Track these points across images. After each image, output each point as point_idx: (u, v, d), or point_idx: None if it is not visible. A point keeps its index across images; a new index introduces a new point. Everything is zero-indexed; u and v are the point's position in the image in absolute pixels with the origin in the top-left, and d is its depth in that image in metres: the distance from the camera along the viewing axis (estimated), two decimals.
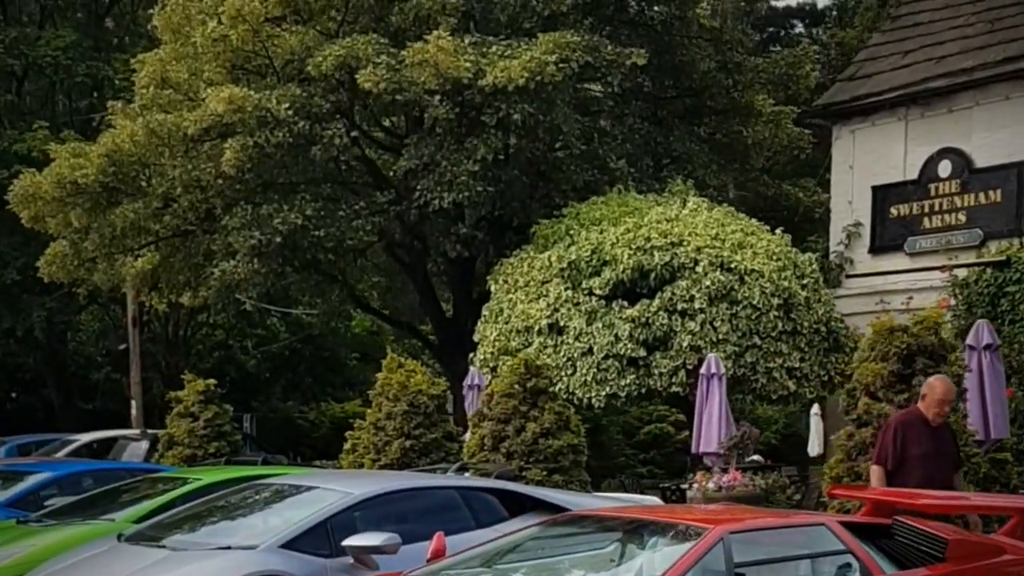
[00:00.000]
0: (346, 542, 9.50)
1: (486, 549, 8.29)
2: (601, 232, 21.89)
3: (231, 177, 23.41)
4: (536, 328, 21.86)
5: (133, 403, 34.32)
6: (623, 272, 21.21)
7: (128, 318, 34.32)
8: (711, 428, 17.38)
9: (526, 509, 10.81)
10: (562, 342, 21.61)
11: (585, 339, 21.38)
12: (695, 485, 16.83)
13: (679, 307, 21.01)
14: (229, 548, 9.55)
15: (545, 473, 16.45)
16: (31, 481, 15.92)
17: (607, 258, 21.44)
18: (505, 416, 16.75)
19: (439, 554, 8.41)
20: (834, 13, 44.08)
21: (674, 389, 21.27)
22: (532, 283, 22.32)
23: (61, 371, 39.27)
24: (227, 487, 12.72)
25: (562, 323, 21.67)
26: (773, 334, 21.37)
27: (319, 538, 9.71)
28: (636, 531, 7.69)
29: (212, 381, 23.32)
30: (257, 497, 10.71)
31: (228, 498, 10.91)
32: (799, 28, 47.91)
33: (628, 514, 8.01)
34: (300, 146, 23.27)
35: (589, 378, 21.25)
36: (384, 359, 48.68)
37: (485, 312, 23.17)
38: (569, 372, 21.51)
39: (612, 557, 7.82)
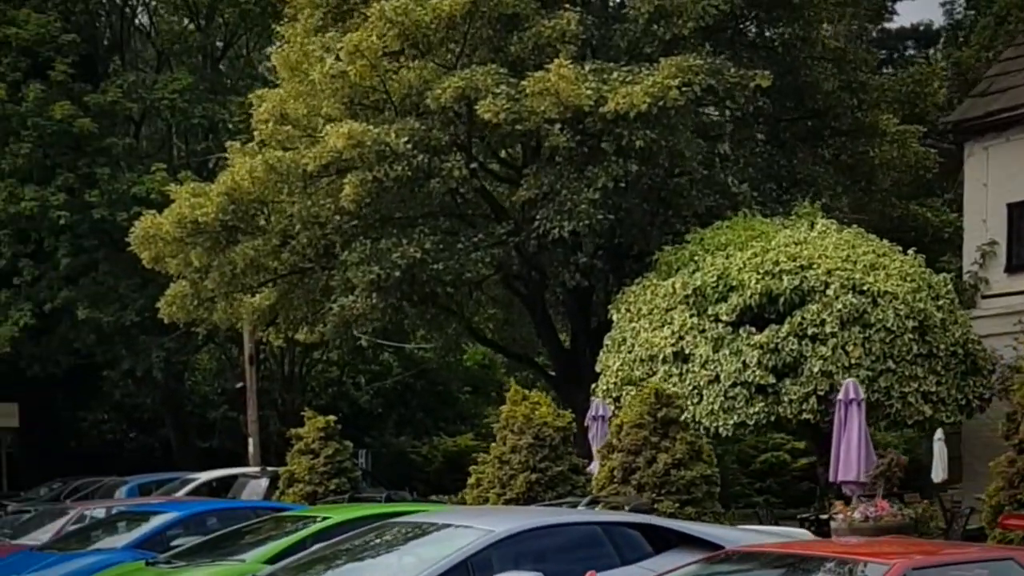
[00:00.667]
0: None
1: None
2: (727, 257, 21.35)
3: (349, 212, 23.23)
4: (661, 356, 21.36)
5: (250, 440, 34.24)
6: (751, 297, 20.65)
7: (245, 356, 34.30)
8: (850, 456, 16.72)
9: (671, 544, 10.30)
10: (688, 370, 21.08)
11: (712, 366, 20.84)
12: (839, 516, 16.14)
13: (809, 332, 20.40)
14: None
15: (677, 505, 15.93)
16: (157, 522, 15.75)
17: (734, 283, 20.89)
18: (635, 447, 16.27)
19: None
20: (950, 32, 43.05)
21: (804, 416, 20.64)
22: (656, 311, 21.82)
23: (178, 410, 39.46)
24: (357, 526, 12.40)
25: (688, 351, 21.15)
26: (908, 357, 20.68)
27: None
28: (807, 568, 7.10)
29: (332, 417, 23.12)
30: (391, 536, 10.34)
31: (361, 538, 10.54)
32: (911, 50, 46.98)
33: (795, 550, 7.44)
34: (418, 179, 23.05)
35: (716, 407, 20.70)
36: (497, 392, 48.56)
37: (607, 341, 22.71)
38: (695, 401, 20.97)
39: None
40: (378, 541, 10.30)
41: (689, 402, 20.85)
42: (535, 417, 18.01)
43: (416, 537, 10.14)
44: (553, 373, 28.82)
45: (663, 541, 10.32)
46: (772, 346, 20.47)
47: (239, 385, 35.13)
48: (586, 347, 27.88)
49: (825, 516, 17.13)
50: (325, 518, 12.72)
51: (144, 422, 42.31)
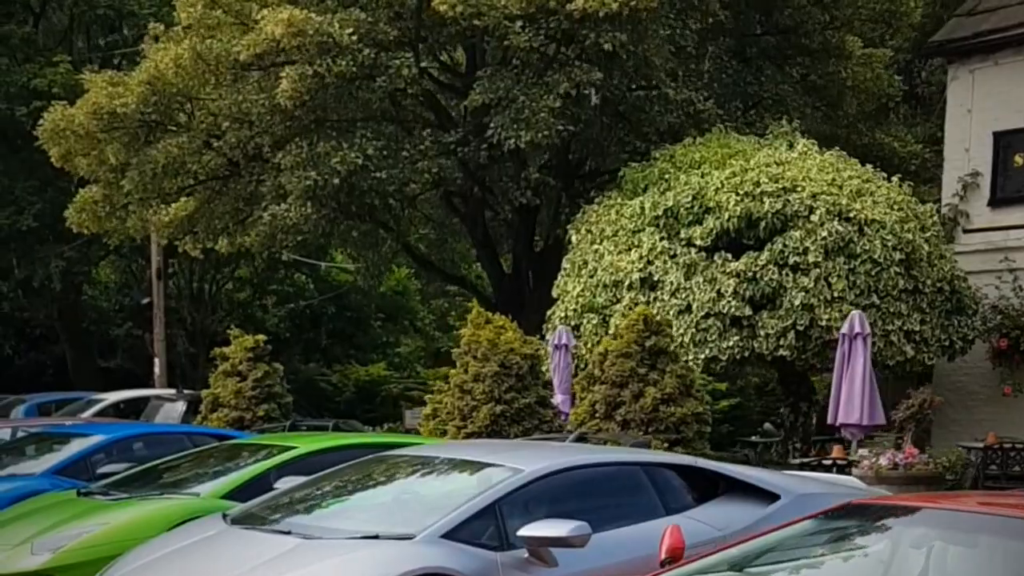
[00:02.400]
0: (524, 531, 7.65)
1: (750, 548, 6.39)
2: (702, 176, 20.03)
3: (284, 111, 21.51)
4: (627, 282, 20.03)
5: (156, 361, 32.46)
6: (728, 220, 19.40)
7: (152, 269, 32.46)
8: (853, 396, 15.52)
9: (717, 491, 8.95)
10: (656, 298, 19.77)
11: (683, 295, 19.56)
12: (864, 463, 14.89)
13: (791, 260, 19.21)
14: (377, 537, 7.69)
15: (666, 445, 14.61)
16: (80, 445, 14.10)
17: (710, 205, 19.60)
18: (621, 379, 14.95)
19: (676, 553, 6.52)
20: None
21: (781, 353, 19.46)
22: (622, 232, 20.48)
23: (76, 326, 37.36)
24: (329, 459, 10.94)
25: (656, 277, 19.84)
26: (893, 293, 19.61)
27: (488, 526, 7.87)
28: (999, 530, 5.60)
29: (261, 337, 21.54)
30: (394, 474, 8.84)
31: (350, 474, 9.03)
32: None
33: (956, 505, 6.03)
34: (362, 77, 21.32)
35: (687, 339, 19.41)
36: (410, 321, 46.81)
37: (566, 264, 21.33)
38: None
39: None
40: (377, 480, 8.81)
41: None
42: (500, 342, 16.56)
43: (427, 476, 8.67)
44: (494, 300, 27.34)
45: (709, 486, 8.97)
46: (750, 275, 19.26)
47: (145, 300, 33.29)
48: (528, 271, 26.55)
49: (828, 461, 15.91)
50: (288, 448, 11.20)
51: (36, 338, 40.09)
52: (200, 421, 20.93)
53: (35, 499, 11.84)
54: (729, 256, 19.45)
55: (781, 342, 19.29)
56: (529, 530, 7.65)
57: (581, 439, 13.49)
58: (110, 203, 24.07)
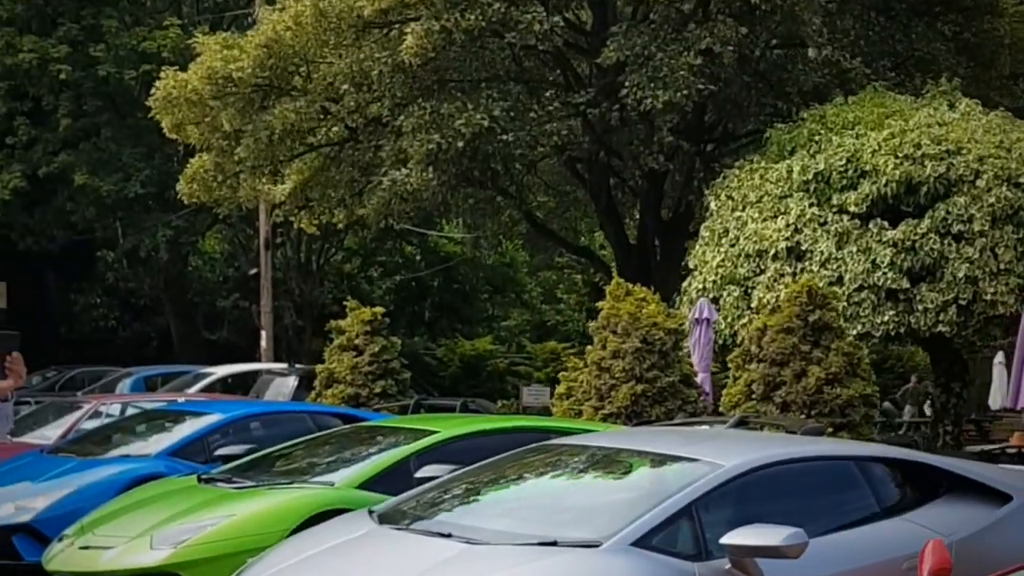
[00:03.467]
0: (729, 539, 6.52)
1: None
2: (857, 137, 18.72)
3: (407, 70, 20.50)
4: (772, 252, 18.77)
5: (263, 333, 31.71)
6: (885, 185, 18.06)
7: (260, 240, 31.69)
8: None
9: (938, 489, 7.75)
10: (804, 269, 18.46)
11: (834, 266, 18.26)
12: None
13: (954, 229, 17.86)
14: (555, 544, 6.60)
15: (830, 430, 13.38)
16: (197, 424, 13.20)
17: (866, 168, 18.29)
18: (782, 357, 13.72)
19: (942, 574, 5.38)
20: None
21: (940, 329, 18.12)
22: (767, 198, 19.20)
23: (181, 297, 36.84)
24: (475, 445, 9.93)
25: (805, 246, 18.56)
26: None
27: (683, 532, 6.75)
28: None
29: (379, 309, 20.62)
30: (571, 467, 7.74)
31: (512, 466, 7.94)
32: None
33: None
34: (491, 33, 20.23)
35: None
36: (517, 295, 45.71)
37: (704, 233, 20.10)
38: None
39: None
40: (544, 473, 7.71)
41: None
42: (642, 316, 15.45)
43: (605, 470, 7.56)
44: (618, 271, 26.18)
45: (929, 485, 7.78)
46: (908, 244, 17.93)
47: (252, 271, 32.57)
48: (655, 241, 25.40)
49: (1013, 450, 14.62)
50: (429, 432, 10.16)
51: (140, 309, 39.67)
52: (314, 398, 20.12)
53: (152, 485, 10.93)
54: (885, 224, 18.14)
55: (941, 317, 17.96)
56: (735, 537, 6.52)
57: (742, 424, 12.35)
58: (222, 172, 23.28)
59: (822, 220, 18.54)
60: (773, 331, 13.89)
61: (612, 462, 7.66)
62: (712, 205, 20.25)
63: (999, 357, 26.81)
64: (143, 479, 11.58)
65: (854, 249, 18.20)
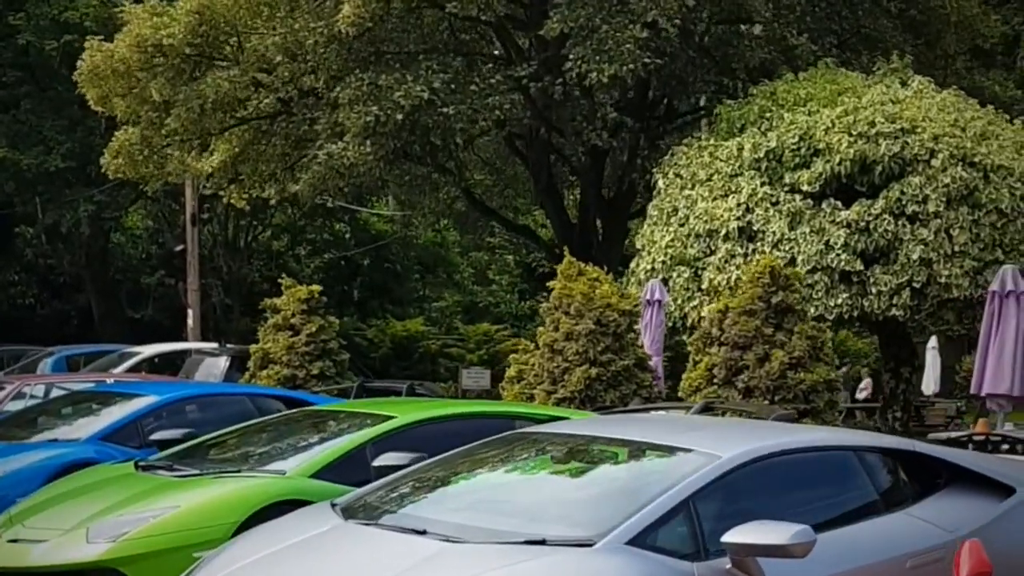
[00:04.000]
0: (731, 536, 6.01)
1: None
2: (810, 115, 18.31)
3: (342, 41, 19.86)
4: (723, 232, 18.39)
5: (190, 312, 30.89)
6: (839, 164, 17.75)
7: (187, 215, 30.86)
8: (1002, 363, 13.80)
9: (939, 482, 7.30)
10: (756, 250, 18.08)
11: (786, 247, 17.91)
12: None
13: (908, 210, 17.57)
14: (544, 543, 6.06)
15: (795, 416, 12.93)
16: (130, 407, 12.50)
17: (819, 146, 17.93)
18: (744, 340, 13.23)
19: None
20: None
21: (893, 313, 17.79)
22: (717, 176, 18.81)
23: (103, 275, 35.82)
24: (435, 431, 9.41)
25: (757, 226, 18.20)
26: (1021, 247, 17.80)
27: (680, 529, 6.23)
28: None
29: (316, 287, 19.94)
30: (542, 457, 7.19)
31: (486, 456, 7.39)
32: None
33: None
34: (430, 4, 19.59)
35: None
36: (447, 275, 45.03)
37: (652, 211, 19.65)
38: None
39: None
40: (524, 465, 7.15)
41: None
42: (596, 297, 14.93)
43: (591, 461, 7.01)
44: (558, 252, 25.65)
45: (929, 477, 7.32)
46: (862, 225, 17.62)
47: (178, 248, 31.71)
48: (596, 220, 24.92)
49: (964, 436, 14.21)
50: (386, 417, 9.56)
51: (60, 286, 38.55)
52: (248, 379, 19.42)
53: (85, 472, 10.24)
54: (839, 204, 17.83)
55: (895, 300, 17.66)
56: (737, 535, 6.01)
57: (707, 410, 11.87)
58: (149, 146, 22.46)
59: (774, 199, 18.15)
60: (735, 313, 13.42)
61: (596, 452, 7.13)
62: (660, 183, 19.78)
63: (932, 342, 26.66)
64: (73, 465, 10.91)
65: (807, 230, 17.84)
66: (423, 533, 6.38)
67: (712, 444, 6.78)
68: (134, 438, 12.08)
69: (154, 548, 8.44)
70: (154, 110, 21.33)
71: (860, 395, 28.99)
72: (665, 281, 18.74)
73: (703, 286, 18.45)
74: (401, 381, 18.81)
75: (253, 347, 19.74)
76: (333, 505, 7.11)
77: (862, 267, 17.67)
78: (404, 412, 9.77)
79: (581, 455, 7.12)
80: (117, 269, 37.51)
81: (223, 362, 22.06)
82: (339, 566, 6.23)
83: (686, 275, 18.66)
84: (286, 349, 19.11)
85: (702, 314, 18.51)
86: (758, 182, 18.25)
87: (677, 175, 19.44)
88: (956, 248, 17.49)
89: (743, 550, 6.05)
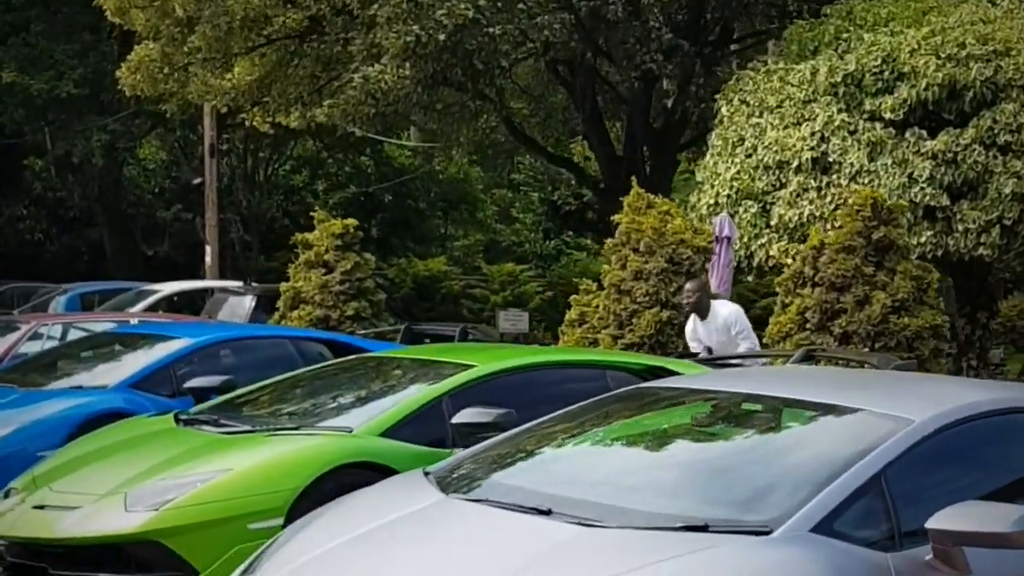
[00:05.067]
0: (936, 522, 4.89)
1: None
2: (892, 35, 17.01)
3: None
4: (795, 163, 17.10)
5: (208, 249, 29.80)
6: (926, 89, 16.40)
7: (205, 146, 29.71)
8: None
9: None
10: (831, 183, 16.84)
11: (866, 180, 16.61)
12: None
13: (1001, 139, 16.26)
14: (706, 529, 4.93)
15: (916, 366, 11.76)
16: (162, 351, 11.43)
17: (903, 70, 16.62)
18: (842, 281, 12.05)
19: None
20: None
21: (981, 253, 16.57)
22: (788, 103, 17.51)
23: (115, 208, 34.69)
24: (519, 381, 8.33)
25: (833, 157, 16.92)
26: None
27: (871, 512, 5.10)
28: None
29: (352, 221, 18.86)
30: (680, 420, 6.05)
31: (598, 415, 6.26)
32: None
33: None
34: None
35: None
36: (470, 212, 43.98)
37: (717, 142, 18.39)
38: (836, 224, 16.80)
39: None
40: (668, 428, 6.01)
41: (829, 224, 16.79)
42: (668, 233, 13.76)
43: (751, 426, 5.85)
44: (603, 186, 24.48)
45: None
46: (949, 156, 16.32)
47: (196, 181, 30.57)
48: (644, 152, 23.72)
49: None
50: (465, 366, 8.44)
51: (70, 220, 37.47)
52: (278, 320, 18.33)
53: (116, 426, 9.16)
54: (924, 133, 16.53)
55: (983, 239, 16.41)
56: (943, 521, 4.89)
57: (808, 359, 10.72)
58: (169, 63, 21.23)
59: (852, 128, 16.88)
60: (831, 250, 12.23)
61: (751, 414, 5.98)
62: (723, 111, 18.51)
63: None
64: (101, 417, 9.90)
65: (888, 161, 16.58)
66: (548, 513, 5.25)
67: (892, 404, 5.65)
68: (166, 385, 11.10)
69: (203, 518, 7.37)
70: (176, 25, 20.09)
71: None
72: (731, 216, 17.55)
73: (772, 223, 17.27)
74: (452, 324, 17.70)
75: (283, 285, 18.65)
76: (426, 474, 6.00)
77: (948, 202, 16.42)
78: (483, 360, 8.65)
79: (732, 417, 5.99)
80: (131, 203, 36.38)
81: (248, 302, 21.01)
82: (455, 553, 5.11)
83: (753, 210, 17.45)
84: (319, 288, 18.04)
85: (771, 253, 17.42)
86: (834, 109, 16.97)
87: (743, 102, 18.19)
88: None
89: (951, 538, 4.93)
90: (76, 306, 24.13)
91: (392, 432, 7.93)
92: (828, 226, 13.85)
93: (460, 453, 6.34)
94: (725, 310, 12.81)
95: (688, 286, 12.66)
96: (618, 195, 22.96)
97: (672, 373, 8.91)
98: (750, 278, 16.96)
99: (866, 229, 12.18)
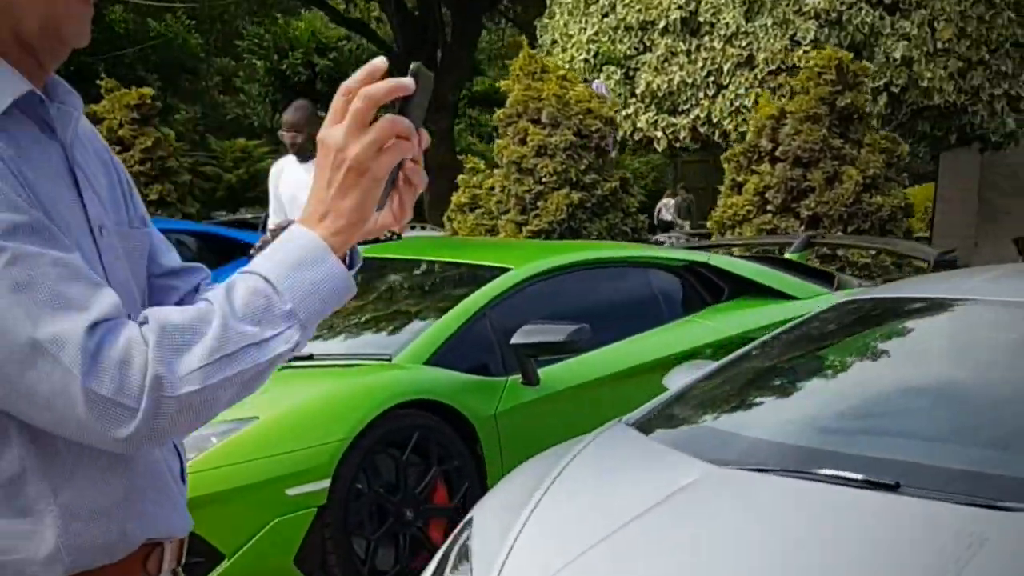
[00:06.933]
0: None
1: None
2: None
3: None
4: (662, 24, 15.91)
5: None
6: None
7: None
8: None
9: None
10: (704, 46, 15.74)
11: (743, 42, 15.61)
12: None
13: None
14: None
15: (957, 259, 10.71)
16: None
17: None
18: (810, 155, 10.84)
19: None
20: None
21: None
22: None
23: None
24: (554, 284, 6.95)
25: (703, 17, 15.80)
26: (1006, 46, 16.05)
27: None
28: None
29: (148, 90, 16.76)
30: (987, 347, 4.69)
31: (847, 342, 4.87)
32: None
33: None
34: None
35: (737, 103, 15.54)
36: (189, 82, 41.50)
37: (568, 0, 16.96)
38: (710, 93, 15.78)
39: None
40: (961, 360, 4.65)
41: (700, 95, 15.72)
42: (571, 100, 12.32)
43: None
44: (397, 50, 22.72)
45: None
46: (834, 16, 15.39)
47: None
48: (440, 13, 22.13)
49: None
50: (498, 269, 6.86)
51: None
52: None
53: None
54: None
55: (869, 108, 15.55)
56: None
57: (809, 246, 9.52)
58: None
59: None
60: (795, 119, 10.98)
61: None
62: None
63: None
64: None
65: (769, 21, 15.54)
66: (896, 488, 3.83)
67: None
68: None
69: (223, 486, 5.62)
70: None
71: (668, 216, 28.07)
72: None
73: (638, 91, 16.07)
74: None
75: None
76: (637, 428, 4.51)
77: None
78: (518, 261, 7.09)
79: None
80: None
81: None
82: (854, 549, 3.62)
83: (616, 77, 16.20)
84: None
85: (638, 125, 16.24)
86: None
87: None
88: (941, 44, 15.53)
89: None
90: None
91: (436, 358, 6.33)
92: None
93: (659, 400, 4.83)
94: None
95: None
96: (412, 61, 21.46)
97: (713, 269, 7.64)
98: (614, 153, 15.72)
99: (831, 94, 10.98)
